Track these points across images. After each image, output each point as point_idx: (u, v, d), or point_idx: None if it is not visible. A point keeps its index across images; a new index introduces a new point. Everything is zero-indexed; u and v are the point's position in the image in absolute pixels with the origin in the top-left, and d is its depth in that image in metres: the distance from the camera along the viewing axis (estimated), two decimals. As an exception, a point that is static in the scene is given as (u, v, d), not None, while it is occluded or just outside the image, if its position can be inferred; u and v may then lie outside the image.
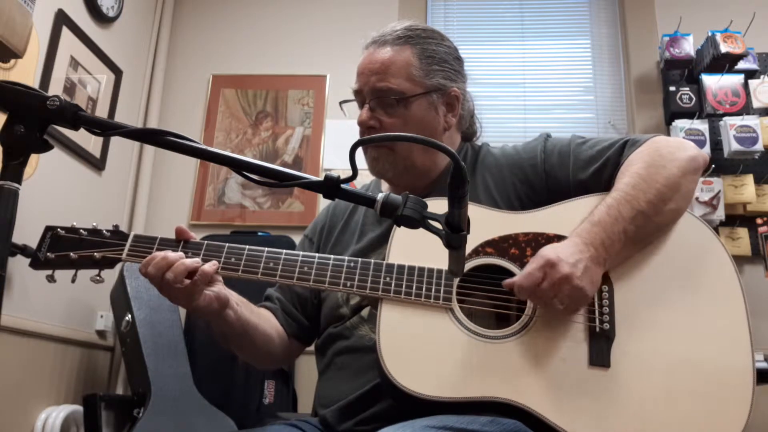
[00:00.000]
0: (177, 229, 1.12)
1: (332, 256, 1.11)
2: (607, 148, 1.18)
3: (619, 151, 1.17)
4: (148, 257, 1.06)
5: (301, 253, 1.12)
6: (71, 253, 1.09)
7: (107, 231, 1.12)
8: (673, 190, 1.08)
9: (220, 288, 1.10)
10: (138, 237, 1.12)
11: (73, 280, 1.09)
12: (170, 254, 1.04)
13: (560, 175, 1.17)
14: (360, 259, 1.11)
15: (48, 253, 1.09)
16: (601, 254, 1.03)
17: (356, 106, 1.27)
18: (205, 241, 1.12)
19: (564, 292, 0.99)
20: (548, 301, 1.00)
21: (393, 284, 1.07)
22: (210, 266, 1.06)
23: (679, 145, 1.15)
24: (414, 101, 1.20)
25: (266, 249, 1.11)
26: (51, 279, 1.08)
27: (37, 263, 1.09)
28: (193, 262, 1.05)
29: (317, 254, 1.12)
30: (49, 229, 1.11)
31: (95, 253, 1.10)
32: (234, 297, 1.15)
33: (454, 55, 1.28)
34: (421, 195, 0.86)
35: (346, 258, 1.11)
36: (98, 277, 1.10)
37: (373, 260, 1.10)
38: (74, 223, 1.12)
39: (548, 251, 1.02)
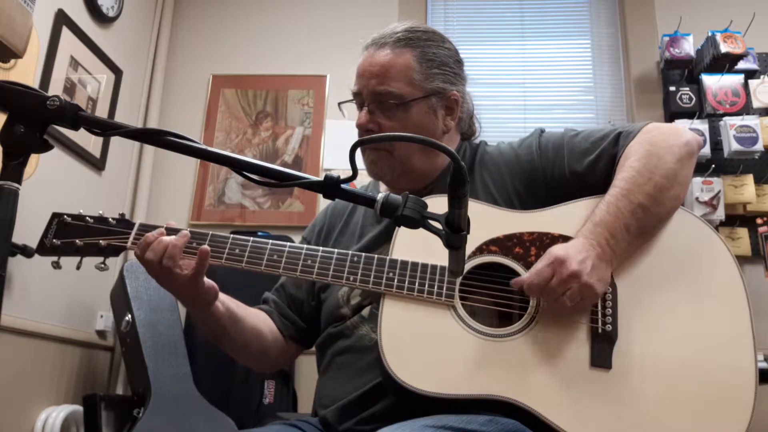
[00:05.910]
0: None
1: (336, 250, 1.12)
2: (600, 139, 1.18)
3: (614, 143, 1.16)
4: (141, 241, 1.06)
5: (305, 246, 1.13)
6: (77, 240, 1.10)
7: (113, 219, 1.14)
8: (670, 179, 1.09)
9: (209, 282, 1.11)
10: (143, 226, 1.13)
11: (78, 267, 1.11)
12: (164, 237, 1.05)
13: (556, 169, 1.17)
14: (363, 253, 1.11)
15: (54, 240, 1.10)
16: (607, 252, 1.04)
17: (355, 107, 1.26)
18: (210, 232, 1.12)
19: (573, 290, 0.99)
20: (557, 298, 1.00)
21: (396, 280, 1.07)
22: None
23: (672, 132, 1.14)
24: (413, 105, 1.19)
25: (270, 241, 1.12)
26: (56, 265, 1.09)
27: (43, 249, 1.10)
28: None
29: (321, 248, 1.13)
30: (56, 215, 1.12)
31: (101, 241, 1.11)
32: (222, 295, 1.15)
33: (454, 58, 1.27)
34: (421, 195, 0.86)
35: (350, 252, 1.11)
36: (103, 265, 1.12)
37: (376, 255, 1.10)
38: (81, 211, 1.13)
39: (557, 249, 1.02)
